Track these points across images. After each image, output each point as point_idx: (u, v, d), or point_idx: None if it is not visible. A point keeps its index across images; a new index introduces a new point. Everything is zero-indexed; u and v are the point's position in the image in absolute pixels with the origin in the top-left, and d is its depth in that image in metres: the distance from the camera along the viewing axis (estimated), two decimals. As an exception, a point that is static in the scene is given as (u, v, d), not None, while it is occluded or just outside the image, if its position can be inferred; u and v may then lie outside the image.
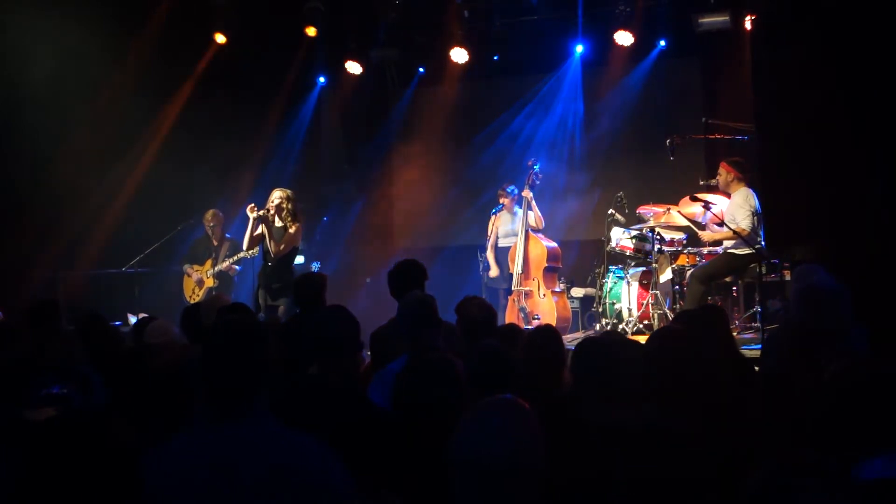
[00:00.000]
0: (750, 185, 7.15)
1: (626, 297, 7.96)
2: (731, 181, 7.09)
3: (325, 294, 5.16)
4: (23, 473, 1.90)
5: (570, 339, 7.64)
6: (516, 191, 8.38)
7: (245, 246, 7.30)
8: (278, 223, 7.13)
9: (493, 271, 8.52)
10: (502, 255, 8.51)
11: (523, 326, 6.54)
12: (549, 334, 3.83)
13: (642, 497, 1.97)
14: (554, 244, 8.39)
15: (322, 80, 10.68)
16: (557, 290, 8.33)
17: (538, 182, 8.33)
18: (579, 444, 2.03)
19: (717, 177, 7.19)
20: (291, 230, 7.11)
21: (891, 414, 2.17)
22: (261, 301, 7.07)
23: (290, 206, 7.12)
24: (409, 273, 4.72)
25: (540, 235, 8.36)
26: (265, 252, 7.18)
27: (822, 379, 2.96)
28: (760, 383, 3.43)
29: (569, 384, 3.41)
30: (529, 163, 8.35)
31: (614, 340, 3.25)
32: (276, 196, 7.13)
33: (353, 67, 10.02)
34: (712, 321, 3.73)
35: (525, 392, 2.33)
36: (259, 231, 7.14)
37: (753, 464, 2.17)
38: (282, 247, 7.08)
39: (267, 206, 7.10)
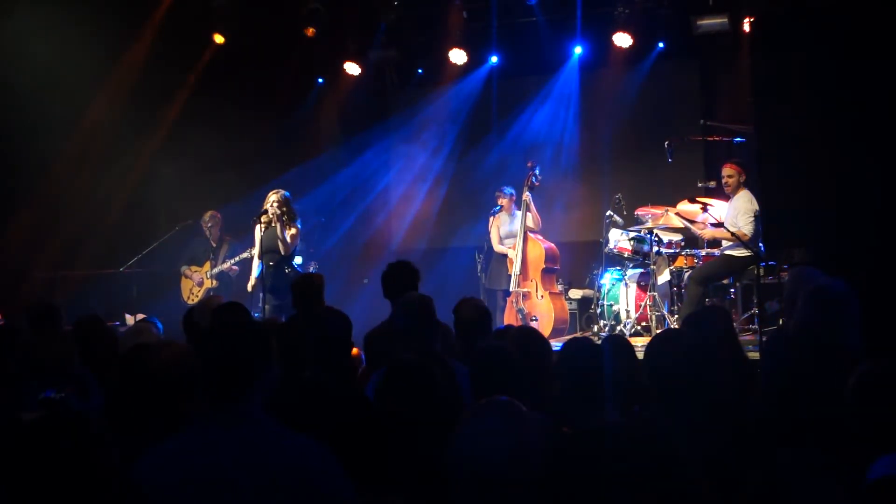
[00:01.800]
0: (748, 186, 7.15)
1: (623, 298, 7.96)
2: (740, 182, 7.05)
3: (323, 294, 5.17)
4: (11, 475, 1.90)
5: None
6: (514, 192, 8.38)
7: (255, 260, 7.36)
8: (276, 225, 7.18)
9: (492, 281, 8.50)
10: (498, 260, 8.50)
11: (521, 328, 6.52)
12: (531, 336, 3.80)
13: (640, 499, 1.97)
14: (552, 245, 8.39)
15: (321, 80, 10.68)
16: (555, 291, 8.33)
17: (537, 184, 8.32)
18: (566, 446, 2.03)
19: (728, 178, 7.03)
20: (291, 231, 7.22)
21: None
22: (263, 302, 7.12)
23: (286, 207, 7.19)
24: (403, 274, 4.71)
25: (538, 236, 8.35)
26: (265, 253, 7.23)
27: (824, 380, 2.97)
28: (763, 384, 3.43)
29: (554, 386, 3.41)
30: (529, 164, 8.32)
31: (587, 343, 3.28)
32: (272, 198, 7.20)
33: (352, 68, 10.01)
34: (716, 321, 3.71)
35: (519, 395, 2.33)
36: (259, 236, 7.22)
37: (754, 464, 2.18)
38: (281, 247, 7.14)
39: (265, 208, 7.16)
